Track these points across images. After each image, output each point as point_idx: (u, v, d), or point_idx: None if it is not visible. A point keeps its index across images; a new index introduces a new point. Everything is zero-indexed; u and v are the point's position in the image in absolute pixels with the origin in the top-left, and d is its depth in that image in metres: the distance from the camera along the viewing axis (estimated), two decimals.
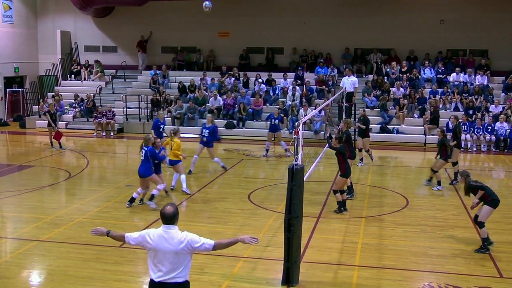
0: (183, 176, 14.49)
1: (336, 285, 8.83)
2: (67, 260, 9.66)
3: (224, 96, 26.21)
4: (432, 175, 15.67)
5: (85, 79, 30.38)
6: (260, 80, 27.04)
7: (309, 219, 11.62)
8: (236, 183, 16.19)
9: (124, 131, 26.29)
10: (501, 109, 23.67)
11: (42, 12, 31.96)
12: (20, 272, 9.22)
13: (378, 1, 27.97)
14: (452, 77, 26.17)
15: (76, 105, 27.83)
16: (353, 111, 22.75)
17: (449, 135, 22.50)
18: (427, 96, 25.31)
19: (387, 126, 24.23)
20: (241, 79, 27.70)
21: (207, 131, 16.70)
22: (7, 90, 29.76)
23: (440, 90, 25.67)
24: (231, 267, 9.43)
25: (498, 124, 22.69)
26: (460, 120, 18.04)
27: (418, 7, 27.87)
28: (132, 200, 13.05)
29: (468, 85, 25.54)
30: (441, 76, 26.51)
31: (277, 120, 20.54)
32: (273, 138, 20.69)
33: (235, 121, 25.34)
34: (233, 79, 27.57)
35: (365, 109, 21.75)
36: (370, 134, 19.33)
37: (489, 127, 22.61)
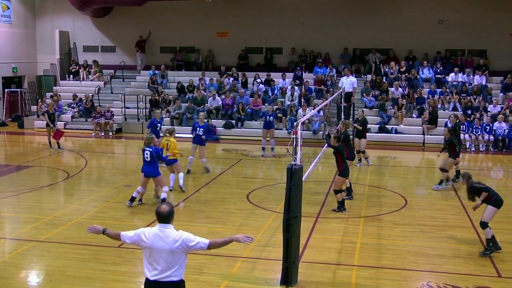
0: (181, 174, 14.53)
1: (335, 285, 8.82)
2: (66, 261, 9.65)
3: (223, 96, 26.20)
4: (443, 176, 15.52)
5: (83, 79, 30.36)
6: (258, 80, 27.03)
7: (307, 219, 11.62)
8: (235, 183, 16.18)
9: (122, 131, 26.26)
10: (500, 109, 23.70)
11: (40, 12, 31.94)
12: (18, 273, 9.21)
13: (377, 1, 27.98)
14: (451, 77, 26.18)
15: (75, 105, 27.81)
16: (351, 111, 22.75)
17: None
18: (425, 96, 25.34)
19: (386, 126, 24.24)
20: (240, 79, 27.70)
21: (202, 129, 16.62)
22: (6, 90, 29.73)
23: (438, 90, 25.69)
24: (230, 267, 9.42)
25: (496, 124, 22.71)
26: (458, 120, 17.96)
27: (416, 7, 27.89)
28: (132, 199, 13.01)
29: (467, 85, 25.56)
30: (439, 76, 26.53)
31: (271, 117, 20.60)
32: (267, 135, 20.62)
33: (233, 121, 25.34)
34: (231, 79, 27.56)
35: (363, 109, 21.73)
36: (368, 134, 19.33)
37: (488, 127, 22.63)
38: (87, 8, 29.27)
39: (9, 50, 29.97)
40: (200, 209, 13.21)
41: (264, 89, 26.78)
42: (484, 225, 10.16)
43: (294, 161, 8.91)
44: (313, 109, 22.18)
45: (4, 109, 29.63)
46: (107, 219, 12.04)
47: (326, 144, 13.86)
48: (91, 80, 30.12)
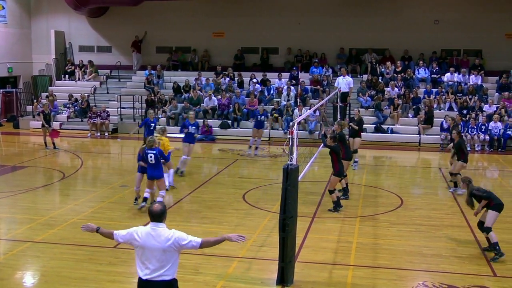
0: (171, 170, 14.54)
1: (331, 285, 8.82)
2: (61, 261, 9.62)
3: (219, 96, 26.19)
4: (454, 179, 15.24)
5: (79, 79, 30.31)
6: (254, 80, 27.03)
7: (303, 219, 11.61)
8: (231, 183, 16.17)
9: (118, 131, 26.19)
10: (495, 109, 23.76)
11: (36, 12, 31.87)
12: (13, 274, 9.17)
13: (373, 2, 28.01)
14: (446, 77, 26.23)
15: (70, 105, 27.75)
16: (348, 111, 22.76)
17: (443, 134, 22.77)
18: (421, 96, 25.38)
19: (382, 126, 24.26)
20: (236, 79, 27.68)
21: (193, 127, 16.54)
22: (1, 90, 29.65)
23: (434, 90, 25.74)
24: (226, 267, 9.41)
25: (492, 123, 22.76)
26: (455, 122, 17.86)
27: (412, 7, 27.95)
28: (145, 199, 12.73)
29: (462, 85, 25.60)
30: (435, 76, 26.57)
31: (263, 117, 20.76)
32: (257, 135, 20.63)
33: (229, 121, 25.32)
34: (228, 79, 27.54)
35: (359, 109, 21.73)
36: (364, 134, 19.33)
37: (483, 127, 22.68)
38: (82, 8, 29.23)
39: (4, 50, 29.90)
40: (196, 209, 13.19)
41: (260, 89, 26.77)
42: (488, 230, 10.08)
43: (290, 161, 8.91)
44: (309, 109, 22.17)
45: (0, 110, 29.54)
46: (103, 219, 12.01)
47: (322, 144, 13.87)
48: (87, 80, 30.06)
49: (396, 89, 25.68)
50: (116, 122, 26.48)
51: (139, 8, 29.66)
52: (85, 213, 12.58)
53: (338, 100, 21.87)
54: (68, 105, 27.80)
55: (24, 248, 10.28)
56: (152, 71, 28.78)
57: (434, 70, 26.72)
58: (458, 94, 25.19)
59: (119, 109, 26.64)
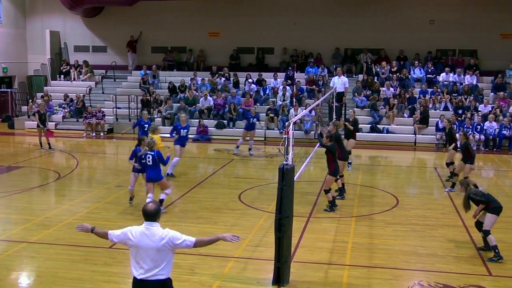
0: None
1: (326, 285, 8.83)
2: (56, 262, 9.60)
3: (215, 96, 26.17)
4: (454, 180, 15.14)
5: (74, 79, 30.24)
6: (250, 80, 27.02)
7: (299, 219, 11.61)
8: (227, 183, 16.16)
9: (114, 131, 26.15)
10: (490, 109, 23.82)
11: (30, 11, 31.78)
12: (8, 274, 9.14)
13: (368, 2, 28.05)
14: (442, 77, 26.27)
15: (66, 105, 27.68)
16: (343, 111, 22.78)
17: (438, 134, 22.82)
18: (417, 96, 25.43)
19: (377, 125, 24.29)
20: (232, 79, 27.67)
21: (185, 131, 16.46)
22: None
23: (429, 90, 25.79)
24: (222, 267, 9.40)
25: (487, 123, 22.83)
26: (451, 124, 17.79)
27: (408, 7, 27.99)
28: (161, 201, 12.63)
29: (458, 84, 25.66)
30: (430, 76, 26.62)
31: (255, 119, 20.84)
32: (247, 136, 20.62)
33: (225, 121, 25.31)
34: (223, 79, 27.52)
35: (354, 109, 21.74)
36: (360, 134, 19.31)
37: (478, 127, 22.75)
38: (78, 8, 29.17)
39: None
40: (192, 209, 13.17)
41: (255, 89, 26.77)
42: (486, 233, 10.06)
43: (286, 161, 8.91)
44: (305, 109, 22.19)
45: None
46: (99, 219, 11.98)
47: (318, 143, 13.88)
48: (82, 80, 29.99)
49: (391, 89, 25.71)
50: (112, 122, 26.42)
51: (134, 8, 29.62)
52: (81, 214, 12.55)
53: (334, 100, 21.88)
54: (63, 105, 27.73)
55: (19, 248, 10.25)
56: (148, 71, 28.73)
57: (430, 70, 26.77)
58: (453, 94, 25.24)
59: (114, 109, 26.59)
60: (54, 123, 26.12)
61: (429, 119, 23.80)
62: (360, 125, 21.66)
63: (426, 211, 13.26)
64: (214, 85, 27.26)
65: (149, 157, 12.31)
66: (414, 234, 11.47)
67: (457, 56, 27.58)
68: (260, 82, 27.11)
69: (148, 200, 12.53)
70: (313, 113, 24.11)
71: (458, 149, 15.73)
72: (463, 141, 15.01)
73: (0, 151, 22.30)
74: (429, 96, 25.37)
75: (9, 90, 30.29)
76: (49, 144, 21.16)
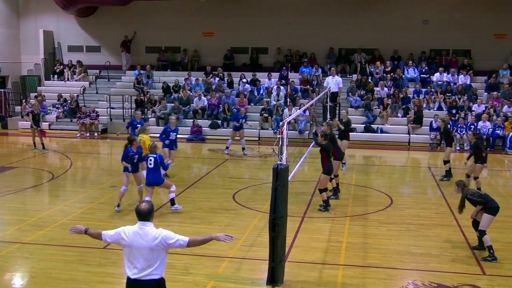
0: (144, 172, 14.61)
1: (321, 285, 8.83)
2: (50, 262, 9.57)
3: (209, 96, 26.15)
4: (477, 184, 14.76)
5: (68, 79, 30.15)
6: (244, 80, 27.02)
7: (294, 219, 11.63)
8: (221, 183, 16.15)
9: (108, 131, 26.10)
10: (484, 108, 23.90)
11: (24, 11, 31.65)
12: (2, 275, 9.11)
13: (363, 2, 28.08)
14: (436, 76, 26.35)
15: (60, 105, 27.59)
16: (337, 111, 22.81)
17: (432, 134, 22.88)
18: (410, 96, 25.49)
19: (371, 125, 24.33)
20: (226, 79, 27.66)
21: (174, 134, 16.44)
22: None
23: (423, 90, 25.85)
24: (216, 267, 9.40)
25: (480, 123, 22.90)
26: (445, 124, 17.79)
27: (402, 7, 28.04)
28: (173, 202, 12.72)
29: (451, 84, 25.74)
30: (424, 75, 26.69)
31: (244, 119, 21.09)
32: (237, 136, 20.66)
33: (219, 121, 25.29)
34: (217, 79, 27.51)
35: (348, 109, 21.76)
36: (354, 134, 19.32)
37: (472, 126, 22.78)
38: (71, 7, 29.08)
39: None
40: (186, 209, 13.13)
41: (250, 89, 26.77)
42: (482, 233, 10.05)
43: (280, 161, 8.91)
44: (299, 109, 22.21)
45: None
46: (92, 220, 11.95)
47: (314, 142, 13.90)
48: (76, 80, 29.91)
49: (385, 89, 25.76)
50: (106, 123, 26.37)
51: (128, 7, 29.55)
52: (75, 214, 12.52)
53: (328, 100, 21.92)
54: (57, 105, 27.64)
55: (13, 249, 10.21)
56: (142, 71, 28.67)
57: (423, 70, 26.84)
58: (447, 94, 25.32)
59: (108, 109, 26.54)
60: (48, 123, 26.02)
61: (423, 118, 23.86)
62: (354, 125, 21.75)
63: (420, 211, 13.29)
64: (208, 85, 27.24)
65: (151, 160, 12.32)
66: (408, 233, 11.50)
67: (451, 56, 27.67)
68: (254, 82, 27.11)
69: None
70: (307, 113, 24.13)
71: (457, 150, 15.68)
72: (473, 141, 14.92)
73: None
74: (423, 96, 25.44)
75: (2, 90, 30.11)
76: (42, 144, 21.09)
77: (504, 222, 11.86)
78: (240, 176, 17.74)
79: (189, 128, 24.52)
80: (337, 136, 15.60)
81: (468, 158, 15.48)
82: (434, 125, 22.80)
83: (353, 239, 11.02)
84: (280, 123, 9.78)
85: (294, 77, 26.95)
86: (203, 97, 26.02)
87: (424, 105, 24.85)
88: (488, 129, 22.75)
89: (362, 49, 27.96)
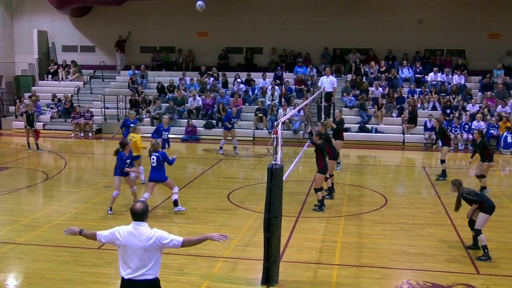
0: (142, 167, 14.77)
1: (315, 284, 8.84)
2: (45, 263, 9.54)
3: (203, 96, 26.12)
4: (482, 183, 14.86)
5: (62, 79, 30.05)
6: (239, 80, 27.01)
7: (288, 219, 11.63)
8: (215, 183, 16.15)
9: (102, 131, 26.04)
10: (478, 108, 23.97)
11: (18, 11, 31.52)
12: None
13: (357, 2, 28.11)
14: (430, 76, 26.39)
15: (54, 105, 27.51)
16: (332, 111, 22.82)
17: (427, 133, 22.93)
18: (405, 96, 25.53)
19: (366, 125, 24.35)
20: (220, 79, 27.64)
21: (167, 133, 16.44)
22: None
23: (418, 90, 25.89)
24: (211, 267, 9.39)
25: (475, 123, 22.95)
26: (440, 121, 17.83)
27: (396, 7, 28.07)
28: (176, 203, 12.69)
29: (446, 84, 25.80)
30: (419, 75, 26.73)
31: (235, 119, 21.29)
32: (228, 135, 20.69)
33: (214, 121, 25.26)
34: (212, 79, 27.49)
35: (341, 109, 21.75)
36: (349, 134, 19.34)
37: (466, 126, 22.86)
38: (66, 7, 28.99)
39: None
40: None
41: (244, 89, 26.76)
42: (478, 232, 10.05)
43: (275, 160, 8.91)
44: (294, 108, 22.22)
45: None
46: (87, 220, 11.93)
47: (309, 141, 13.91)
48: (70, 80, 29.82)
49: (380, 88, 25.80)
50: (100, 123, 26.31)
51: (122, 7, 29.49)
52: (69, 214, 12.49)
53: (323, 100, 21.93)
54: (51, 105, 27.56)
55: (7, 250, 10.18)
56: (136, 71, 28.63)
57: (418, 70, 26.89)
58: (441, 94, 25.37)
59: (103, 109, 26.48)
60: (42, 123, 25.93)
61: (418, 118, 23.91)
62: (349, 125, 21.79)
63: (414, 210, 13.32)
64: (203, 85, 27.22)
65: (153, 158, 12.38)
66: (402, 233, 11.52)
67: (445, 56, 27.73)
68: (249, 82, 27.10)
69: (143, 199, 12.53)
70: (302, 113, 24.14)
71: (452, 149, 15.68)
72: (479, 140, 14.84)
73: None
74: (417, 95, 25.48)
75: None
76: (37, 144, 21.03)
77: (498, 222, 11.88)
78: (234, 176, 17.74)
79: (184, 128, 24.49)
80: (330, 135, 15.61)
81: (472, 157, 15.50)
82: (429, 125, 22.85)
83: (347, 239, 11.03)
84: (275, 123, 9.78)
85: (288, 77, 26.94)
86: (197, 97, 25.99)
87: (419, 105, 24.90)
88: (483, 128, 22.78)
89: (356, 49, 27.97)
